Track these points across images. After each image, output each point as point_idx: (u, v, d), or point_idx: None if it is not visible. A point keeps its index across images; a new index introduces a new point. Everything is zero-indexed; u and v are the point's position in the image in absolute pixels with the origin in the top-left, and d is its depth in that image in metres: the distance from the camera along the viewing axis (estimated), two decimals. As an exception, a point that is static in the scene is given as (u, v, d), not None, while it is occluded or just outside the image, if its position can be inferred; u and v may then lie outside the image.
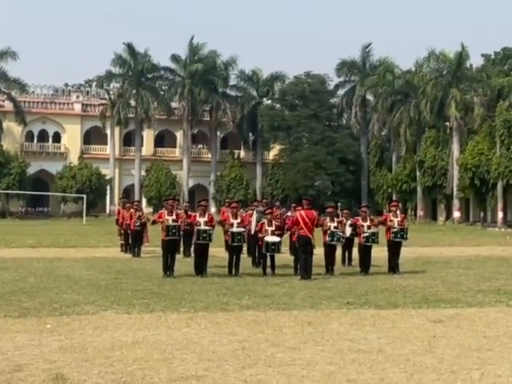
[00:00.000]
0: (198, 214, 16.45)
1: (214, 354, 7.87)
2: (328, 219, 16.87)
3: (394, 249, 17.16)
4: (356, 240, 17.95)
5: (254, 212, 17.93)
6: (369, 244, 17.10)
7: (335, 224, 16.79)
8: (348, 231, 17.73)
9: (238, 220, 16.59)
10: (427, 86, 57.32)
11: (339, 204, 21.15)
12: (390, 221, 17.20)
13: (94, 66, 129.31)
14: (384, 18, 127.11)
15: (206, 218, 16.23)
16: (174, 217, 16.29)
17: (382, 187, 63.14)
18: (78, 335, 8.95)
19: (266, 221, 16.72)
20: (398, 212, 17.65)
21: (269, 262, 16.48)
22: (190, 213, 17.62)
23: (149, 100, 64.47)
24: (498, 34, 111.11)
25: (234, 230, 16.27)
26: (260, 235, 16.65)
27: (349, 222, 17.99)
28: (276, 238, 16.36)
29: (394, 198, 61.55)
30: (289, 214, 20.06)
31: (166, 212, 16.40)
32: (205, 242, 15.98)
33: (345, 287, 14.19)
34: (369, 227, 17.31)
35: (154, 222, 17.15)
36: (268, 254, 16.43)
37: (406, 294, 13.08)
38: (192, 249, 18.88)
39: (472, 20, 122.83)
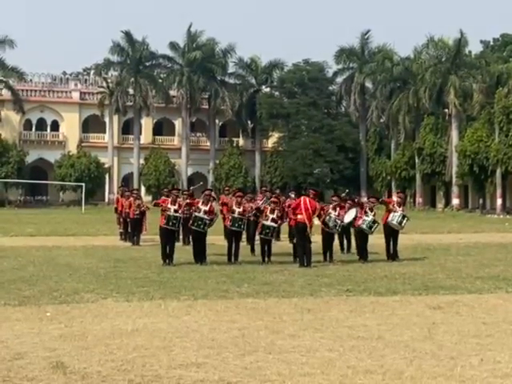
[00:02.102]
0: (200, 202, 16.41)
1: (213, 342, 7.88)
2: (331, 207, 16.86)
3: (391, 235, 17.14)
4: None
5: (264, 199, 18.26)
6: (366, 232, 17.08)
7: (336, 213, 16.78)
8: (347, 220, 17.56)
9: (241, 209, 16.59)
10: (426, 73, 57.18)
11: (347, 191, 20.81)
12: (393, 206, 17.26)
13: (92, 54, 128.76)
14: (383, 4, 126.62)
15: (207, 208, 16.22)
16: (176, 207, 16.25)
17: (380, 174, 63.12)
18: (77, 323, 8.95)
19: (269, 207, 16.76)
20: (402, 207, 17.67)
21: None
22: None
23: (147, 88, 64.27)
24: (496, 21, 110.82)
25: (236, 215, 16.34)
26: (260, 219, 16.74)
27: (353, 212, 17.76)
28: (273, 223, 16.41)
29: (392, 185, 61.73)
30: (288, 201, 20.07)
31: (169, 200, 16.37)
32: (198, 229, 15.96)
33: (344, 274, 14.21)
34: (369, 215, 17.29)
35: (156, 204, 16.92)
36: (261, 237, 16.53)
37: (405, 281, 13.09)
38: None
39: (471, 6, 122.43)
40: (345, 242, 19.24)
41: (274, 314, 9.56)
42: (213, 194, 16.94)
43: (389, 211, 17.20)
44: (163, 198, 17.72)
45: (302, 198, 16.26)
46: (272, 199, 17.39)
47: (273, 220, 16.48)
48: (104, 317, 9.38)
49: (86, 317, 9.37)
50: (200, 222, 15.94)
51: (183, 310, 9.87)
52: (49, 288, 11.96)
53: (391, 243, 17.18)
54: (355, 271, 14.77)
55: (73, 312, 9.72)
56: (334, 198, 17.63)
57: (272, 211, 16.61)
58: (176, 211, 16.12)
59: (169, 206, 16.17)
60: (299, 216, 15.74)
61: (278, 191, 24.28)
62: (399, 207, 17.42)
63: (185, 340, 7.98)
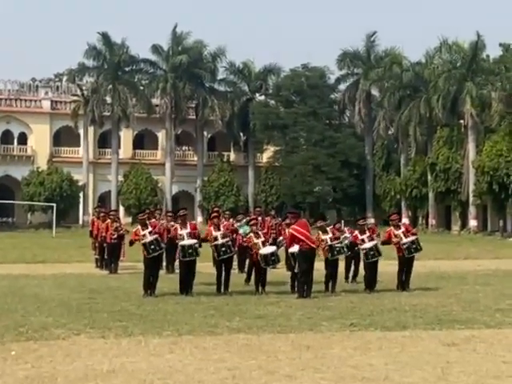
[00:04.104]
0: (178, 226, 16.42)
1: (200, 384, 7.88)
2: (320, 233, 16.80)
3: (407, 264, 17.15)
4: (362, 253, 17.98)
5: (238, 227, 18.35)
6: (373, 260, 17.11)
7: (330, 235, 16.73)
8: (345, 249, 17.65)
9: (222, 231, 16.52)
10: (439, 80, 57.59)
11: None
12: (395, 236, 17.16)
13: (65, 59, 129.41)
14: (391, 2, 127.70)
15: (188, 229, 16.22)
16: (150, 229, 16.18)
17: (389, 193, 63.32)
18: (46, 363, 8.94)
19: (252, 234, 16.75)
20: (401, 223, 17.80)
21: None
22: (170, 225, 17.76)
23: (127, 96, 64.51)
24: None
25: (219, 242, 16.26)
26: (251, 252, 16.69)
27: (344, 237, 17.83)
28: (271, 248, 16.44)
29: (402, 205, 61.89)
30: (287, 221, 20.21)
31: (139, 227, 16.30)
32: (192, 258, 15.97)
33: (348, 306, 14.23)
34: (370, 239, 17.32)
35: (131, 243, 16.78)
36: (269, 268, 16.54)
37: (416, 314, 13.11)
38: (176, 264, 18.88)
39: (488, 6, 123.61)
40: (352, 268, 19.21)
41: (268, 352, 9.57)
42: (186, 212, 17.06)
43: (397, 244, 17.16)
44: (133, 230, 17.35)
45: (291, 229, 16.18)
46: (250, 222, 17.47)
47: (263, 243, 16.48)
48: (76, 356, 9.37)
49: (55, 356, 9.36)
50: (191, 250, 15.91)
51: (166, 348, 9.87)
52: (14, 323, 11.92)
53: (405, 271, 17.18)
54: (360, 303, 14.78)
55: (41, 350, 9.71)
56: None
57: (256, 236, 16.60)
58: (151, 233, 16.05)
59: (142, 232, 16.05)
60: (303, 244, 15.73)
61: (272, 212, 24.35)
62: (399, 229, 17.31)
63: (167, 382, 7.99)
